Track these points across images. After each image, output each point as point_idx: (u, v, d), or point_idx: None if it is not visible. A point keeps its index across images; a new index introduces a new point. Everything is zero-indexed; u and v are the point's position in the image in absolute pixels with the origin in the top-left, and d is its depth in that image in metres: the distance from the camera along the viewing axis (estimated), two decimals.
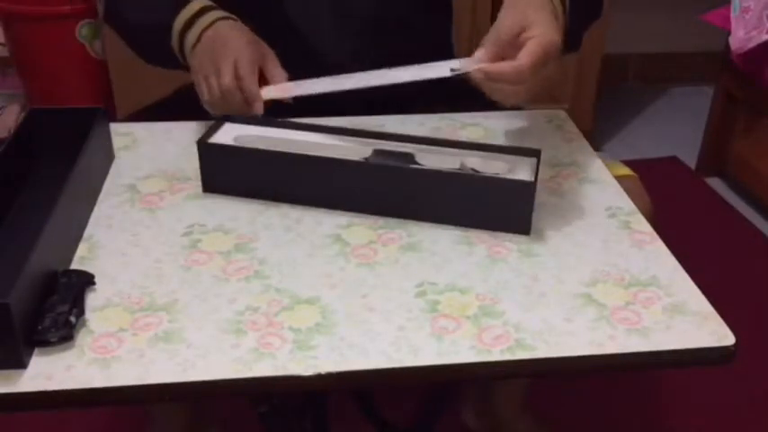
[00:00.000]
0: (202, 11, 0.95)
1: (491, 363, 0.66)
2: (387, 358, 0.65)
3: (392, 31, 1.05)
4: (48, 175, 0.88)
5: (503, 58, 0.78)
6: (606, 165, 0.95)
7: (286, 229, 0.82)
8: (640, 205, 0.87)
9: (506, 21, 0.79)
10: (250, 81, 0.90)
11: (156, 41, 0.98)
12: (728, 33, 2.00)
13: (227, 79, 0.89)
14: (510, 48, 0.78)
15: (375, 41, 1.04)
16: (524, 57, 0.76)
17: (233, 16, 0.96)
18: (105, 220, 0.83)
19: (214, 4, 0.97)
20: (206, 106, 0.93)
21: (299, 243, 0.80)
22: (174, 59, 0.98)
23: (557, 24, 0.80)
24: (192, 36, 0.94)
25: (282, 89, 0.93)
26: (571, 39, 0.87)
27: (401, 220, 0.83)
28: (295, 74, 0.95)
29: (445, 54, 1.17)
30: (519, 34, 0.78)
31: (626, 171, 1.03)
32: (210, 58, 0.91)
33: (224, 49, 0.91)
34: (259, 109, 0.91)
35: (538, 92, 0.79)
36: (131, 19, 1.02)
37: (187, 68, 0.95)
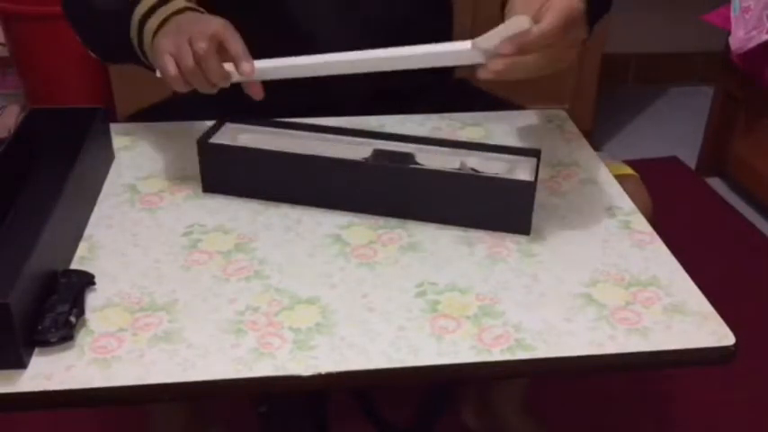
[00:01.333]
0: (165, 0, 0.88)
1: (491, 363, 0.66)
2: (387, 358, 0.65)
3: (395, 31, 1.05)
4: (48, 175, 0.88)
5: None
6: (607, 164, 0.95)
7: (286, 229, 0.82)
8: (640, 205, 0.87)
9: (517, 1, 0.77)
10: (234, 40, 0.81)
11: (112, 29, 0.92)
12: (728, 33, 2.00)
13: (203, 43, 0.79)
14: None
15: (378, 42, 1.04)
16: (548, 18, 0.73)
17: (201, 9, 0.89)
18: (105, 220, 0.83)
19: None
20: (173, 84, 0.83)
21: (299, 243, 0.80)
22: (126, 51, 0.91)
23: None
24: (154, 20, 0.86)
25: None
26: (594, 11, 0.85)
27: (401, 220, 0.83)
28: (296, 90, 0.94)
29: None
30: (540, 7, 0.75)
31: (627, 170, 1.03)
32: (179, 30, 0.83)
33: (196, 20, 0.84)
34: (248, 69, 0.81)
35: (568, 58, 0.76)
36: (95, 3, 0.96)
37: (139, 62, 0.91)
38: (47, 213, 0.71)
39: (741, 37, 1.93)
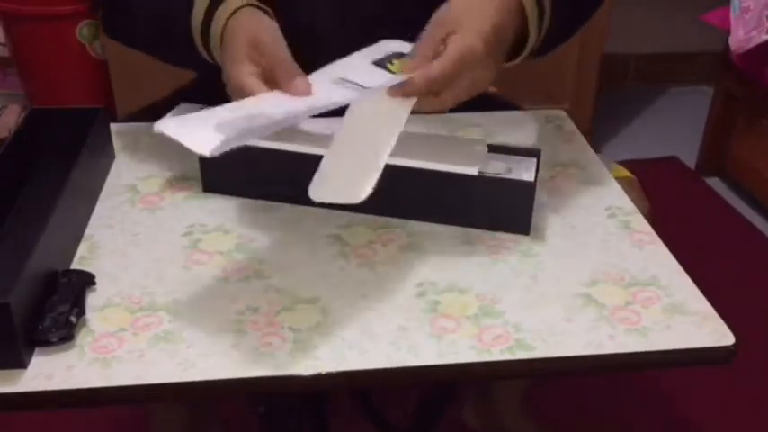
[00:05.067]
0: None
1: (491, 363, 0.66)
2: (387, 358, 0.65)
3: (396, 30, 1.05)
4: (48, 175, 0.88)
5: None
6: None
7: (286, 229, 0.82)
8: (638, 209, 0.87)
9: (437, 18, 0.76)
10: (281, 71, 0.75)
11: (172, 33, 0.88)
12: (728, 33, 2.00)
13: (238, 98, 0.75)
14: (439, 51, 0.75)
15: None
16: (436, 65, 0.72)
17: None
18: (105, 220, 0.83)
19: None
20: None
21: (299, 243, 0.80)
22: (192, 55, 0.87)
23: (494, 21, 0.75)
24: (216, 27, 0.82)
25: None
26: (549, 40, 0.85)
27: (401, 220, 0.83)
28: None
29: None
30: (447, 36, 0.74)
31: (624, 173, 1.03)
32: (224, 66, 0.80)
33: (230, 58, 0.79)
34: (302, 88, 0.74)
35: (462, 98, 0.76)
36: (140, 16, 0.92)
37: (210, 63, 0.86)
38: (47, 213, 0.71)
39: (741, 37, 1.93)
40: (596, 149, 1.00)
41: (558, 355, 0.66)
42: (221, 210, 0.85)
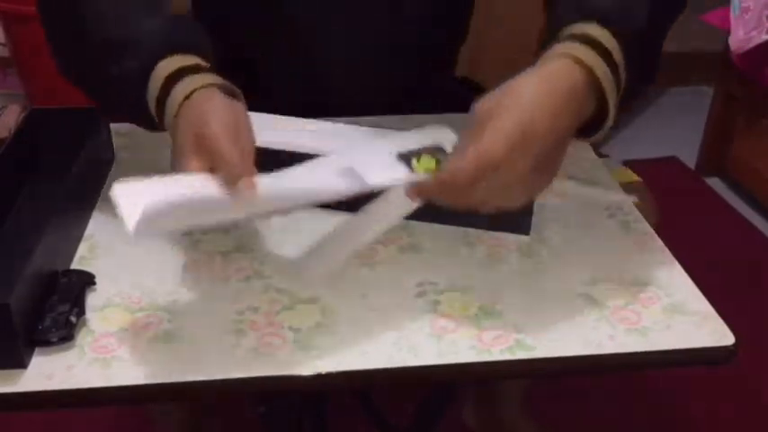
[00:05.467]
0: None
1: (491, 363, 0.66)
2: (387, 358, 0.65)
3: (405, 50, 1.04)
4: (48, 175, 0.88)
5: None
6: (612, 171, 0.94)
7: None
8: (648, 216, 0.86)
9: (484, 112, 0.64)
10: (223, 164, 0.65)
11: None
12: (728, 33, 2.00)
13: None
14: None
15: (388, 62, 1.04)
16: (447, 169, 0.64)
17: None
18: (105, 220, 0.83)
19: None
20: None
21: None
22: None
23: (524, 118, 0.63)
24: (172, 104, 0.72)
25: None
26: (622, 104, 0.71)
27: (401, 220, 0.83)
28: (298, 92, 0.94)
29: (447, 70, 1.17)
30: (485, 124, 0.63)
31: (632, 177, 1.02)
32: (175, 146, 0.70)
33: (179, 147, 0.69)
34: (247, 191, 0.64)
35: (496, 204, 0.66)
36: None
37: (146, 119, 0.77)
38: (47, 213, 0.71)
39: (741, 37, 1.93)
40: (596, 149, 1.00)
41: (558, 355, 0.66)
42: None
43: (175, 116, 0.70)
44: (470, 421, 1.37)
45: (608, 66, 0.66)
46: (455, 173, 0.62)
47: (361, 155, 0.73)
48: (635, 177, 1.04)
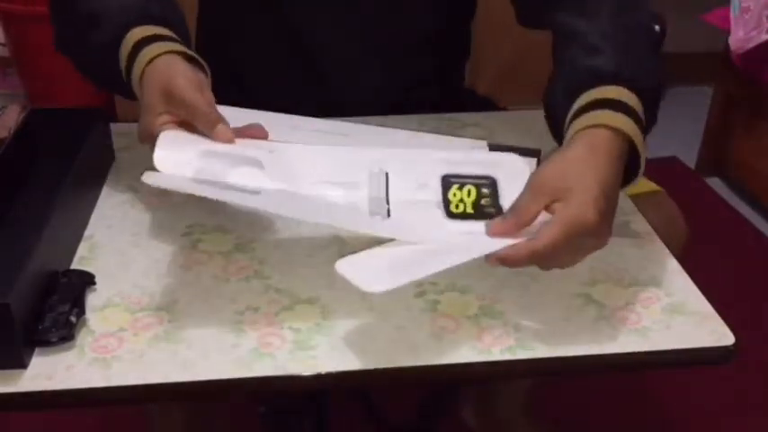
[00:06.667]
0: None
1: (491, 363, 0.66)
2: (387, 358, 0.65)
3: (396, 33, 1.04)
4: (48, 175, 0.88)
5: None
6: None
7: (286, 230, 0.82)
8: (673, 231, 0.86)
9: (539, 187, 0.68)
10: (197, 115, 0.74)
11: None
12: (728, 33, 2.00)
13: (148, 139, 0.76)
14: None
15: (380, 47, 1.04)
16: (542, 238, 0.65)
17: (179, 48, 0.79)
18: (105, 220, 0.83)
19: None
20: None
21: (299, 243, 0.80)
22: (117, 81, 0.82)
23: (607, 184, 0.67)
24: (137, 69, 0.78)
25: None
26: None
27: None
28: (307, 96, 0.94)
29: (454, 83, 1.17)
30: (552, 202, 0.67)
31: (652, 186, 1.00)
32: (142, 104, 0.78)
33: (147, 103, 0.77)
34: (223, 136, 0.74)
35: (568, 265, 0.69)
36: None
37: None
38: (47, 213, 0.71)
39: (741, 37, 1.93)
40: None
41: (558, 355, 0.66)
42: (221, 210, 0.85)
43: (141, 79, 0.77)
44: (471, 421, 1.37)
45: (636, 124, 0.72)
46: (550, 240, 0.65)
47: (398, 169, 0.73)
48: (654, 186, 1.01)
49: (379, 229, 0.70)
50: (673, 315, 0.71)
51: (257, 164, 0.73)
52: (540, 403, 1.37)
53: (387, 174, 0.72)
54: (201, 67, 0.80)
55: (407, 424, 1.38)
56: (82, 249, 0.78)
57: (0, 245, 0.78)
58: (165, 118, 0.75)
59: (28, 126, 0.92)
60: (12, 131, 0.84)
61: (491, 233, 0.68)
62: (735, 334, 0.69)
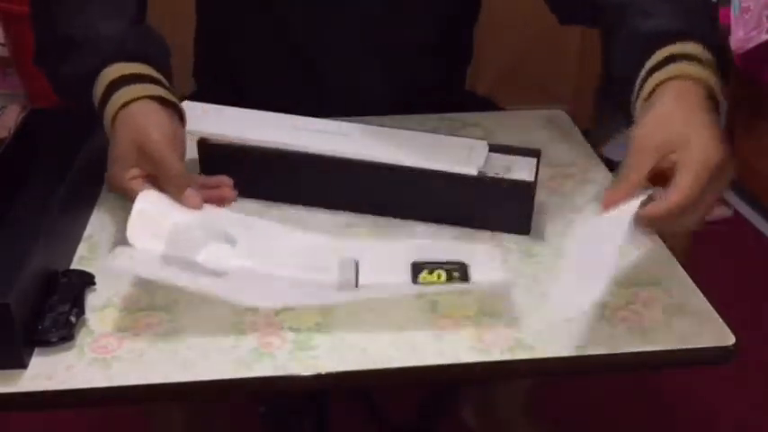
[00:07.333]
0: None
1: (491, 363, 0.66)
2: (387, 358, 0.65)
3: (396, 32, 1.04)
4: (48, 176, 0.88)
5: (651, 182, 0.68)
6: None
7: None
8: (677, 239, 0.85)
9: (645, 143, 0.68)
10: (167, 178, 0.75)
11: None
12: (728, 33, 2.00)
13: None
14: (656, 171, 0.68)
15: (388, 63, 1.04)
16: (680, 189, 0.64)
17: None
18: (105, 220, 0.83)
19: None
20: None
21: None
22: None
23: (713, 125, 0.68)
24: (110, 109, 0.77)
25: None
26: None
27: (401, 220, 0.83)
28: (307, 96, 0.94)
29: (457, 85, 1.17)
30: (665, 156, 0.67)
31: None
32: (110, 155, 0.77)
33: (115, 155, 0.77)
34: (193, 203, 0.75)
35: (708, 213, 0.68)
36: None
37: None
38: (47, 213, 0.71)
39: (741, 37, 1.93)
40: (596, 149, 1.00)
41: (558, 355, 0.66)
42: (221, 210, 0.85)
43: (113, 123, 0.76)
44: (471, 421, 1.37)
45: (712, 73, 0.73)
46: (681, 196, 0.64)
47: (371, 254, 0.75)
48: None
49: (346, 296, 0.71)
50: (673, 315, 0.71)
51: (230, 240, 0.74)
52: (540, 403, 1.37)
53: (357, 262, 0.74)
54: (178, 110, 0.79)
55: (407, 424, 1.38)
56: (82, 249, 0.78)
57: (0, 245, 0.78)
58: (134, 172, 0.75)
59: (28, 126, 0.92)
60: (12, 131, 0.84)
61: (605, 204, 0.68)
62: (735, 334, 0.69)
